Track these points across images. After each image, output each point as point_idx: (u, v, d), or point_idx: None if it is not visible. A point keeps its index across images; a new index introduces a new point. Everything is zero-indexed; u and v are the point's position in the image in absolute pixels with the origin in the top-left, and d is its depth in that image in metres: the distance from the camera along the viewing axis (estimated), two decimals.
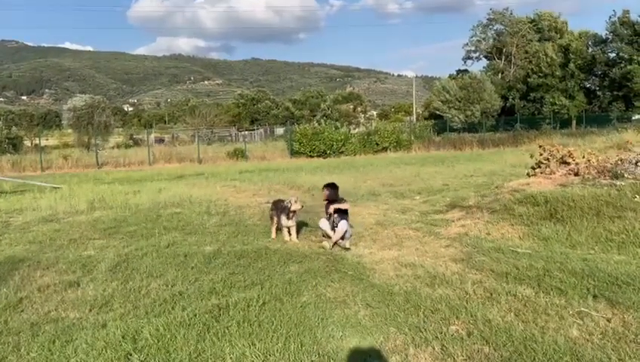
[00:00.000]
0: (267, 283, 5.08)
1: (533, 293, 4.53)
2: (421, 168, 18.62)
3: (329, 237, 6.66)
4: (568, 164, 9.29)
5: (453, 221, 7.85)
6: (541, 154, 9.67)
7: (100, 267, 5.87)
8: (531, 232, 6.62)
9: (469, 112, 52.77)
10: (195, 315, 4.31)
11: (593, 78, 51.74)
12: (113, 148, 44.44)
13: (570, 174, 8.68)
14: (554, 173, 8.91)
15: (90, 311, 4.54)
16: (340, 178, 15.65)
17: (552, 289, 4.57)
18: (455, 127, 46.51)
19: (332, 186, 7.15)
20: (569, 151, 9.44)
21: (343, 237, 6.61)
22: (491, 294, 4.56)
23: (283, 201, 7.08)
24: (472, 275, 5.15)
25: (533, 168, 9.89)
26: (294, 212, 6.95)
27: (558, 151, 9.53)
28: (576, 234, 6.31)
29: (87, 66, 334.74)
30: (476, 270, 5.32)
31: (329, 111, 65.38)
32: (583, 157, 9.31)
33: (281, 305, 4.50)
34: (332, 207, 6.66)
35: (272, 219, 7.39)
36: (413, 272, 5.34)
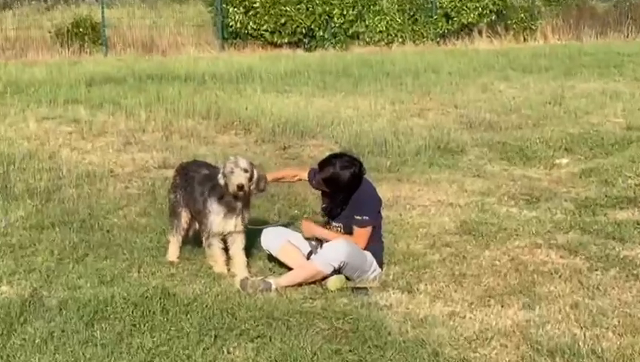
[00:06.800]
0: None
1: None
2: (564, 83, 14.10)
3: (290, 269, 5.08)
4: None
5: None
6: None
7: None
8: None
9: None
10: None
11: None
12: None
13: None
14: None
15: None
16: (353, 101, 12.00)
17: None
18: None
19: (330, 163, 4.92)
20: None
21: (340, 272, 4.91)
22: None
23: (207, 168, 5.07)
24: None
25: None
26: (239, 194, 4.71)
27: None
28: None
29: None
30: None
31: None
32: None
33: None
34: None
35: (174, 213, 5.15)
36: None
